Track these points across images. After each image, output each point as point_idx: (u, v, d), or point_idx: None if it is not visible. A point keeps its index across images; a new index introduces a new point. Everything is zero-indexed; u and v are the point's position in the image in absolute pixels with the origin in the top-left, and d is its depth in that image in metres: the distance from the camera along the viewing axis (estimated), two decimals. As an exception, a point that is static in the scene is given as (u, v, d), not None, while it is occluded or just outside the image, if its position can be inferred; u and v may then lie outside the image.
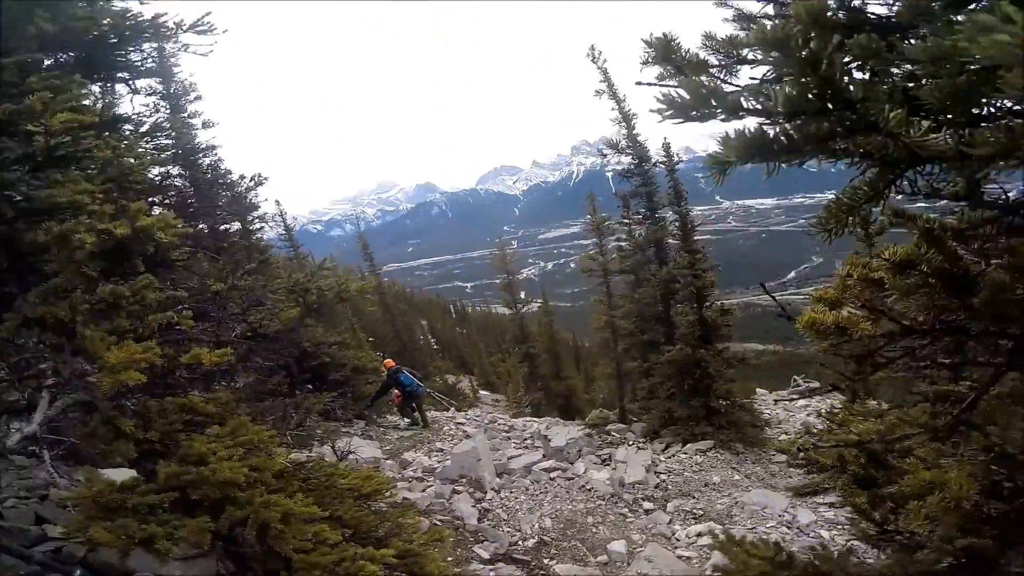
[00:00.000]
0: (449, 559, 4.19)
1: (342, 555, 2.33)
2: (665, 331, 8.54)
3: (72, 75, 2.93)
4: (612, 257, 9.52)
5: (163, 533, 2.09)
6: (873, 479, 2.25)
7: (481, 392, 35.56)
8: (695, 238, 7.72)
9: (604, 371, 9.99)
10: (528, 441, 9.46)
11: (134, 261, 2.86)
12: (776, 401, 13.44)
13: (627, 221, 9.45)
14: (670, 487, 6.35)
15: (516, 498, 6.01)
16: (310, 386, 10.93)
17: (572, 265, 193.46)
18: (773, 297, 1.78)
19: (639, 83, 1.21)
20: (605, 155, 8.82)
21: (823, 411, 9.24)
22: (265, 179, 10.52)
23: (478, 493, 6.02)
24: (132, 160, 3.30)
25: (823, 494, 5.99)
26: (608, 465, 7.02)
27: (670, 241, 8.72)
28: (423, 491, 5.83)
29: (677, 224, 8.03)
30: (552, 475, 6.46)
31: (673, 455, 7.52)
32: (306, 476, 2.87)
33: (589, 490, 6.13)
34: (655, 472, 6.64)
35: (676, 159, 8.34)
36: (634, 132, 8.72)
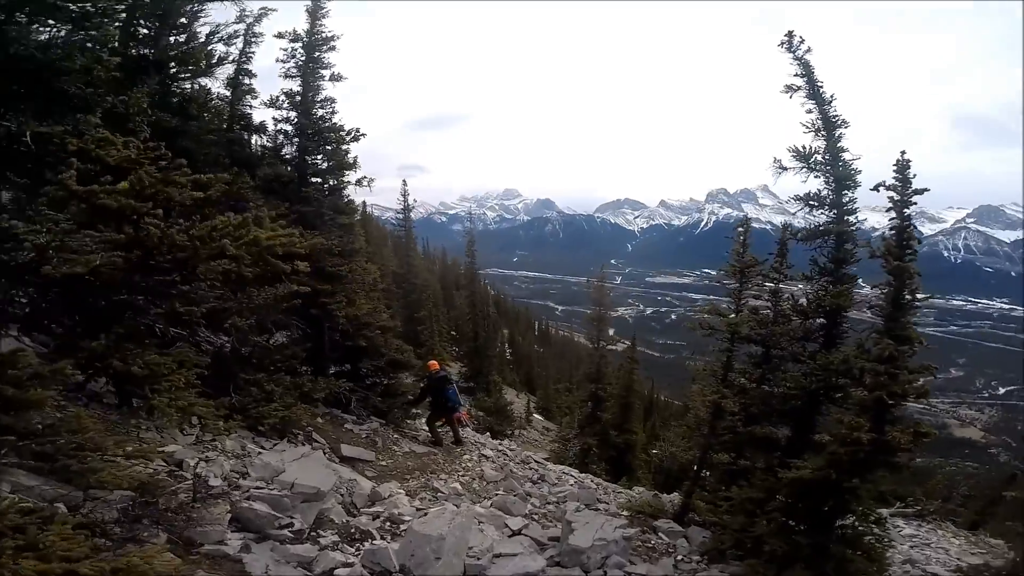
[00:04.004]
0: None
1: None
2: (794, 435, 5.94)
3: None
4: (732, 318, 6.88)
5: None
6: None
7: (535, 416, 33.65)
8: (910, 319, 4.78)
9: (681, 452, 7.59)
10: (548, 509, 7.43)
11: None
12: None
13: (777, 274, 6.74)
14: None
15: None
16: (346, 367, 9.93)
17: (672, 316, 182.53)
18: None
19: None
20: (784, 169, 6.35)
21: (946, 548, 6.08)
22: (363, 135, 9.74)
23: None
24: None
25: None
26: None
27: (853, 314, 5.91)
28: (337, 570, 3.63)
29: (888, 290, 5.08)
30: (541, 611, 4.25)
31: (736, 605, 5.11)
32: None
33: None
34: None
35: (913, 187, 5.10)
36: (838, 145, 6.18)
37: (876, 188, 5.32)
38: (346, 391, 8.57)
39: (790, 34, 6.35)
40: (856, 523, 5.42)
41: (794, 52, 6.35)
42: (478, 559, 4.15)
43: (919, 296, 5.17)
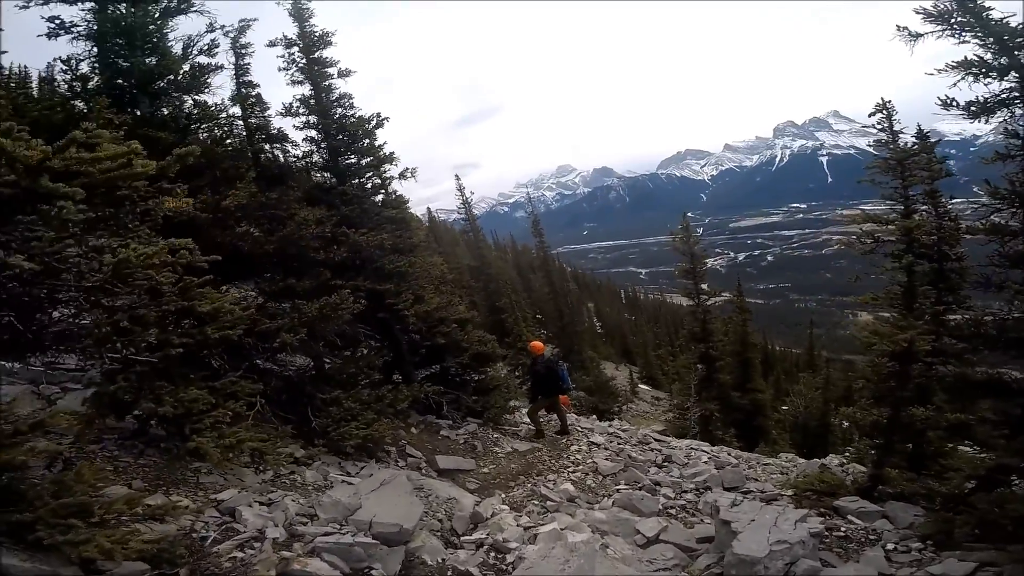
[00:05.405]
0: None
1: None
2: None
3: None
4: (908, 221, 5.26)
5: None
6: None
7: (641, 386, 31.98)
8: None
9: (856, 413, 5.90)
10: (686, 499, 6.17)
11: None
12: None
13: (928, 173, 5.09)
14: None
15: None
16: (433, 368, 9.30)
17: (769, 258, 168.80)
18: None
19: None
20: (917, 36, 4.70)
21: None
22: (386, 119, 8.97)
23: None
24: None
25: None
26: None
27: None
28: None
29: None
30: None
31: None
32: None
33: None
34: None
35: None
36: (977, 3, 4.55)
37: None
38: (433, 396, 7.88)
39: None
40: None
41: None
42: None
43: None
